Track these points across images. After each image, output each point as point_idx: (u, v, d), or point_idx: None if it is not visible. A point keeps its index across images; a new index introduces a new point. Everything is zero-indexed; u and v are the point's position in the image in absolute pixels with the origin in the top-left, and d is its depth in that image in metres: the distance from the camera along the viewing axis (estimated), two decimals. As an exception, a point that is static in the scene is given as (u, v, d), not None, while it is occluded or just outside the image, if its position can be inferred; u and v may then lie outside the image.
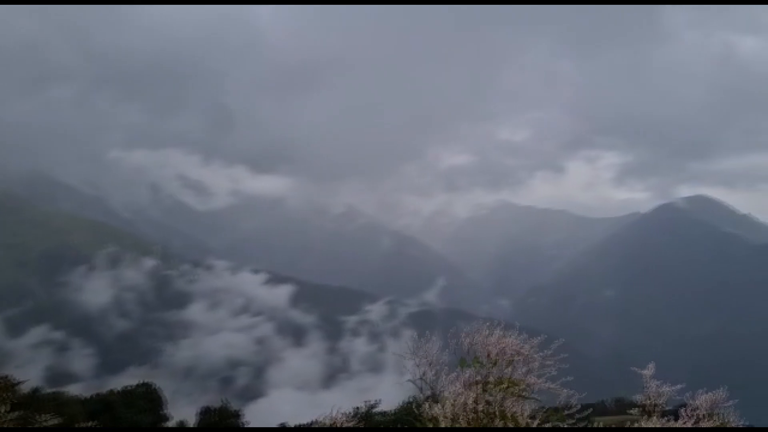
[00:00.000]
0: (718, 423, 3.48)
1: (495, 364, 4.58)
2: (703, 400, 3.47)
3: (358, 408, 62.11)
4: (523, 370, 4.57)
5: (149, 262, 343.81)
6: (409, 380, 4.66)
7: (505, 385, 4.40)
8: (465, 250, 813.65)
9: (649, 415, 3.88)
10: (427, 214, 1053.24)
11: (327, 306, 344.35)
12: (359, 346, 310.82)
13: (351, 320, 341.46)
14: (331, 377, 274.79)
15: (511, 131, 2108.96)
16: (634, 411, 5.04)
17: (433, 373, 4.58)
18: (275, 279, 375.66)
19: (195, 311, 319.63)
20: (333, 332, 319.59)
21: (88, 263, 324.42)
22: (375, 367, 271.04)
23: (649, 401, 4.08)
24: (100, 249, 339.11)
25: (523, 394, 4.45)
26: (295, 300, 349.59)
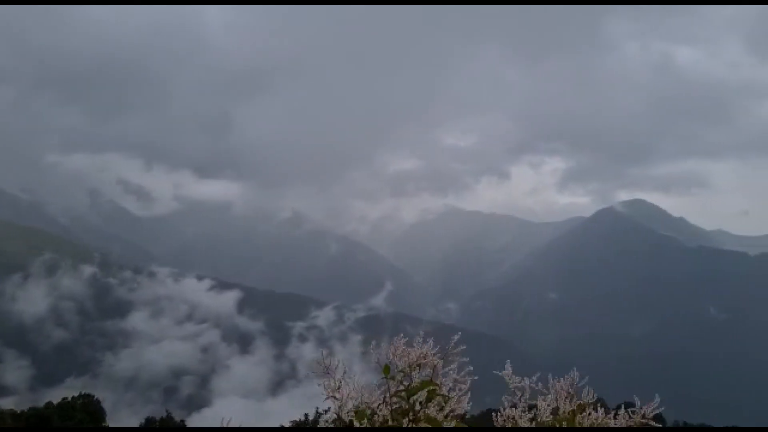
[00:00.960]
0: (576, 403, 3.50)
1: (420, 367, 4.53)
2: (560, 384, 3.50)
3: (307, 415, 61.35)
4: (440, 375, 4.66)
5: (88, 270, 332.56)
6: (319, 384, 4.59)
7: (426, 390, 4.38)
8: (412, 255, 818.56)
9: (515, 407, 4.06)
10: (374, 219, 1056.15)
11: (274, 312, 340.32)
12: (307, 352, 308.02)
13: (298, 326, 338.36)
14: (278, 384, 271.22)
15: (457, 137, 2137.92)
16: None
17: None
18: (221, 285, 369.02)
19: (137, 320, 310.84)
20: (280, 338, 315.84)
21: (23, 271, 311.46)
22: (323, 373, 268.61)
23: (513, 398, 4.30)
24: (36, 256, 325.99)
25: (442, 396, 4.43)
26: (242, 306, 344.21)
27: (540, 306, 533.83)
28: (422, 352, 4.50)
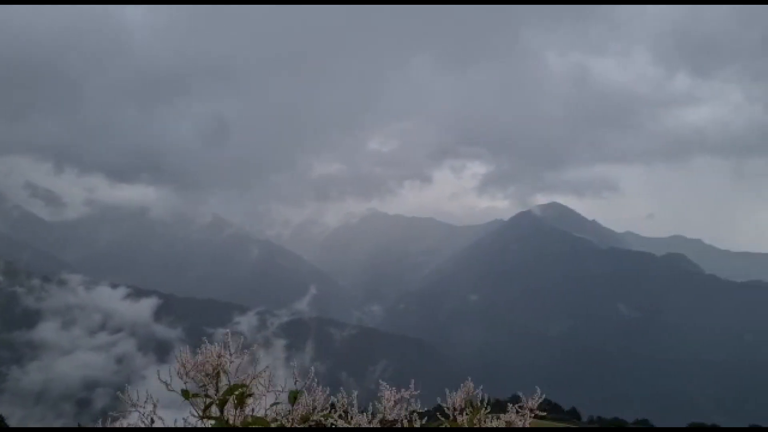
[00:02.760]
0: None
1: (218, 377, 4.56)
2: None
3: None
4: None
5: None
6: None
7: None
8: (336, 259, 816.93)
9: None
10: (298, 223, 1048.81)
11: (193, 319, 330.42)
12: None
13: (219, 333, 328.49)
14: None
15: (382, 141, 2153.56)
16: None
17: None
18: (137, 293, 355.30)
19: (46, 330, 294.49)
20: (200, 346, 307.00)
21: None
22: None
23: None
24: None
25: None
26: (159, 314, 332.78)
27: (462, 307, 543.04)
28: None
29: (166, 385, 4.58)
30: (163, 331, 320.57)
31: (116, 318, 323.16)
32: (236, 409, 4.33)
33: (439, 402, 4.57)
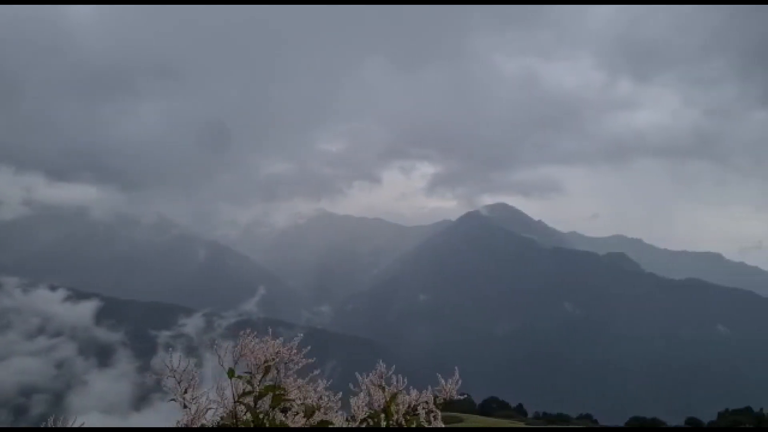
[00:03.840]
0: (389, 392, 3.52)
1: (267, 371, 4.31)
2: (370, 379, 3.53)
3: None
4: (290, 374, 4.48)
5: None
6: (172, 399, 4.30)
7: (272, 393, 4.21)
8: (285, 260, 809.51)
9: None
10: (245, 224, 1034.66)
11: (137, 322, 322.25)
12: (173, 363, 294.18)
13: (164, 335, 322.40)
14: (142, 398, 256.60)
15: (331, 142, 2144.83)
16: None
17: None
18: (77, 295, 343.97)
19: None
20: (144, 349, 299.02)
21: None
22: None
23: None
24: None
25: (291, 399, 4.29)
26: (101, 317, 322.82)
27: (411, 307, 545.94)
28: (275, 349, 4.33)
29: (219, 358, 4.42)
30: (104, 334, 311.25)
31: (55, 321, 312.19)
32: (271, 409, 4.21)
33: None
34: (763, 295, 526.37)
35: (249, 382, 4.35)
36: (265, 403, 4.20)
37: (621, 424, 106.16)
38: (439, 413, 4.26)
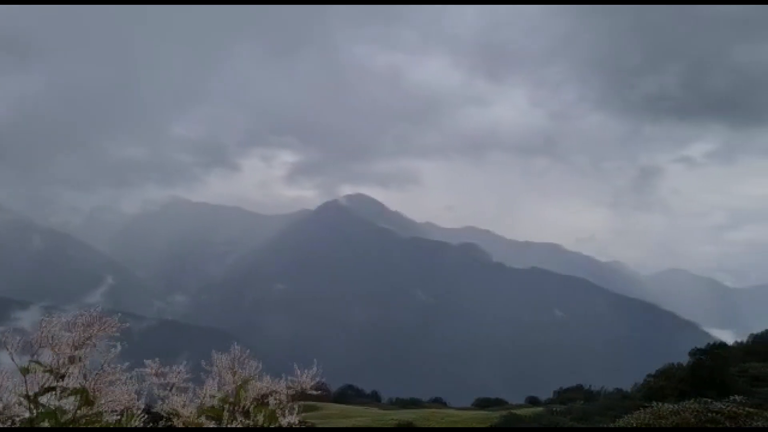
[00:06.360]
0: (241, 376, 3.51)
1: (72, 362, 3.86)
2: (222, 360, 3.38)
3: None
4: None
5: None
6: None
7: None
8: (134, 249, 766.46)
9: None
10: (90, 210, 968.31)
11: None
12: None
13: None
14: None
15: (188, 127, 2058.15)
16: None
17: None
18: None
19: None
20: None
21: None
22: None
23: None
24: None
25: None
26: None
27: (268, 297, 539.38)
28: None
29: (9, 351, 3.85)
30: None
31: None
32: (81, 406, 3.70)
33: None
34: (596, 282, 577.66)
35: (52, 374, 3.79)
36: (70, 403, 3.71)
37: (469, 405, 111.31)
38: (292, 406, 4.11)
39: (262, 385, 4.17)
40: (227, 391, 4.13)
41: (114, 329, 4.00)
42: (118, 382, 3.79)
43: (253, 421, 3.97)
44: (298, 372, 4.26)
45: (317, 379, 4.30)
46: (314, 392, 4.25)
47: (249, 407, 4.05)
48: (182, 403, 3.98)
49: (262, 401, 4.12)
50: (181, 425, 3.92)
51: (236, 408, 4.02)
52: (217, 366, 4.13)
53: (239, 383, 4.12)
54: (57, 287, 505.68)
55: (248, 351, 4.26)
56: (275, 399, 4.15)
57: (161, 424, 3.99)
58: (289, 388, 4.20)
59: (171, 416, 3.95)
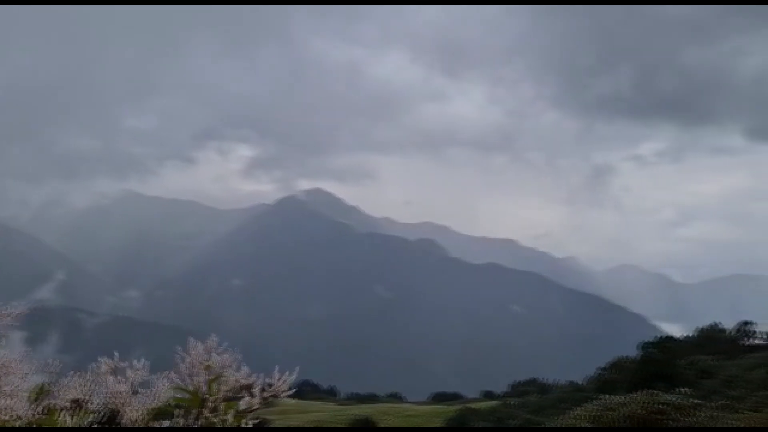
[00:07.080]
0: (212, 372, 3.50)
1: None
2: (196, 352, 3.44)
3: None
4: None
5: None
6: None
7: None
8: (85, 243, 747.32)
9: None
10: (38, 204, 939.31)
11: None
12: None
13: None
14: None
15: (141, 118, 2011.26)
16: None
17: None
18: None
19: None
20: None
21: None
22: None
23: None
24: None
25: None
26: None
27: (225, 293, 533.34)
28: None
29: None
30: None
31: None
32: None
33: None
34: (551, 278, 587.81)
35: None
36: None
37: (426, 399, 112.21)
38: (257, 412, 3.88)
39: (239, 376, 3.91)
40: (198, 383, 3.85)
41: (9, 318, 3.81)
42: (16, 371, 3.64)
43: (221, 420, 3.71)
44: (277, 376, 4.01)
45: (292, 390, 4.08)
46: (287, 396, 4.05)
47: (219, 404, 3.80)
48: (136, 402, 3.86)
49: (234, 397, 3.86)
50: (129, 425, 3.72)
51: (206, 403, 3.75)
52: (191, 355, 3.87)
53: (212, 377, 3.85)
54: (4, 282, 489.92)
55: (225, 343, 4.03)
56: (247, 402, 3.88)
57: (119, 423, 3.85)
58: (263, 391, 3.94)
59: (116, 414, 3.82)
